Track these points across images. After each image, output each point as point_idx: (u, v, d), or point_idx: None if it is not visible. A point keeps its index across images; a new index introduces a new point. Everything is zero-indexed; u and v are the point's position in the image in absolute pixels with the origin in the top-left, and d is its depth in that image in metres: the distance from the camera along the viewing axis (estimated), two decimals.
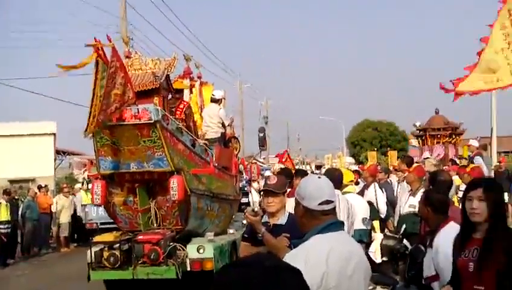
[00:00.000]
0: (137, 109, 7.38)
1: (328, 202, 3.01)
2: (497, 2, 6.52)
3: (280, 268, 1.31)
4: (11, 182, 23.06)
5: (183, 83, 9.95)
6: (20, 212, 16.25)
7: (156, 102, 8.06)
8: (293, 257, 2.79)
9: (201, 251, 8.31)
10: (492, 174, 13.75)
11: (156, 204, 8.37)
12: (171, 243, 8.00)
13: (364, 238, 7.67)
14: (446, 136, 25.87)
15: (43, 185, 18.29)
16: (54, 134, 25.31)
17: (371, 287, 5.06)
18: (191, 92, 10.95)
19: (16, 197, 16.72)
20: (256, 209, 4.96)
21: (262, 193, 5.28)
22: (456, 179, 10.12)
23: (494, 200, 3.76)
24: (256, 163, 15.61)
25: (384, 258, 7.39)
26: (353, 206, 6.74)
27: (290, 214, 4.77)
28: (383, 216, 9.61)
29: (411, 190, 8.38)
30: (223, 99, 10.98)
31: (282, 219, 4.84)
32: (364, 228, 7.77)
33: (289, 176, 7.10)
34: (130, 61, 8.48)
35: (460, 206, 6.83)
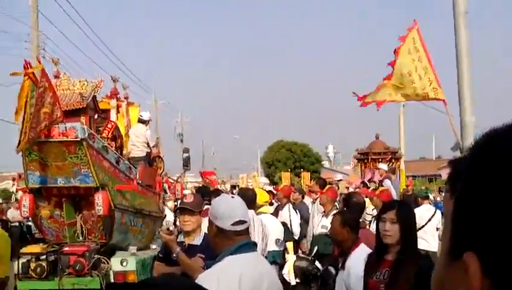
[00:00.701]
0: (65, 127, 7.81)
1: (241, 222, 3.00)
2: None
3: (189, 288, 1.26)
4: None
5: (109, 104, 10.41)
6: None
7: (83, 121, 8.51)
8: (205, 278, 2.80)
9: (124, 263, 8.71)
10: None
11: (82, 218, 8.75)
12: (96, 256, 8.40)
13: (278, 259, 7.67)
14: (387, 160, 26.92)
15: None
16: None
17: None
18: (118, 111, 11.42)
19: None
20: (171, 228, 5.01)
21: (178, 211, 5.26)
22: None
23: (406, 223, 3.84)
24: (180, 182, 16.13)
25: (298, 280, 7.59)
26: (267, 226, 6.82)
27: (205, 234, 4.69)
28: (296, 237, 9.71)
29: (324, 211, 8.48)
30: (149, 121, 11.55)
31: (197, 239, 4.85)
32: (277, 249, 7.72)
33: (207, 195, 7.64)
34: (58, 81, 8.92)
35: (370, 229, 7.30)
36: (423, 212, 10.61)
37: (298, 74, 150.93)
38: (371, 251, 4.21)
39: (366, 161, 27.58)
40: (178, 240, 4.86)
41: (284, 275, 8.27)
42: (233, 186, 32.13)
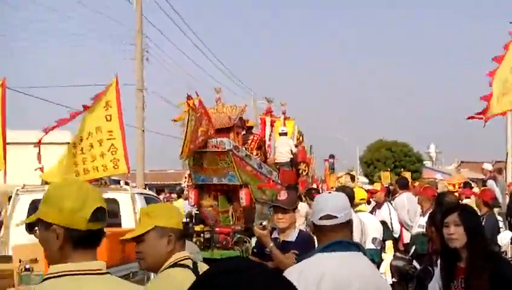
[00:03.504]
0: (217, 140, 10.79)
1: (329, 216, 2.88)
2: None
3: (270, 275, 1.25)
4: None
5: (252, 122, 13.51)
6: None
7: (231, 136, 11.44)
8: (288, 273, 2.77)
9: None
10: (507, 199, 13.20)
11: (233, 208, 11.76)
12: (239, 235, 11.35)
13: (375, 258, 7.61)
14: None
15: None
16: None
17: None
18: (272, 125, 14.53)
19: None
20: (264, 223, 4.97)
21: (271, 208, 5.25)
22: (468, 201, 11.21)
23: (471, 225, 3.74)
24: (326, 182, 18.80)
25: (394, 279, 7.53)
26: (365, 225, 6.95)
27: (300, 230, 4.98)
28: (396, 235, 9.88)
29: (422, 210, 8.59)
30: (291, 132, 14.51)
31: (292, 236, 4.87)
32: (374, 247, 7.77)
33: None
34: (216, 105, 12.02)
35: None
36: None
37: (400, 73, 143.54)
38: None
39: None
40: (273, 236, 4.91)
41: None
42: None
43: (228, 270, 1.23)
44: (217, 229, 11.41)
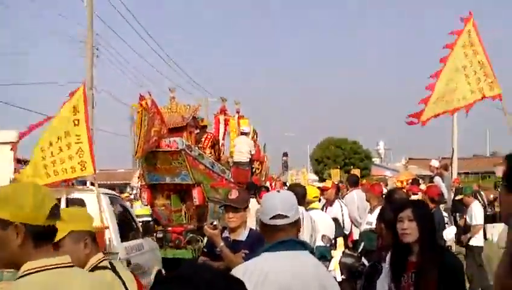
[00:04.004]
0: (169, 140, 10.81)
1: (280, 216, 2.89)
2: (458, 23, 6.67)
3: (219, 278, 1.28)
4: None
5: (206, 121, 13.56)
6: None
7: (184, 136, 11.49)
8: (235, 272, 2.79)
9: None
10: (452, 195, 14.14)
11: (185, 207, 11.79)
12: (191, 235, 11.40)
13: (327, 255, 7.60)
14: None
15: None
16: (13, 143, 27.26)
17: None
18: (226, 124, 14.62)
19: None
20: (215, 223, 4.93)
21: (222, 207, 5.22)
22: (416, 198, 10.62)
23: (423, 220, 3.80)
24: (280, 181, 18.97)
25: (343, 277, 7.31)
26: (316, 222, 6.93)
27: (251, 229, 4.89)
28: (347, 232, 9.90)
29: (370, 207, 8.61)
30: (249, 133, 14.57)
31: (242, 235, 4.83)
32: (323, 244, 7.71)
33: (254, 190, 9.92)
34: (169, 104, 12.02)
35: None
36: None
37: (350, 71, 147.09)
38: None
39: None
40: (224, 235, 4.86)
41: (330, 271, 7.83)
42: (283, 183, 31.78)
43: (172, 278, 1.25)
44: (169, 228, 11.44)
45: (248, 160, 14.13)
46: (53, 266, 2.23)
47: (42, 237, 2.24)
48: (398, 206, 4.07)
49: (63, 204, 7.52)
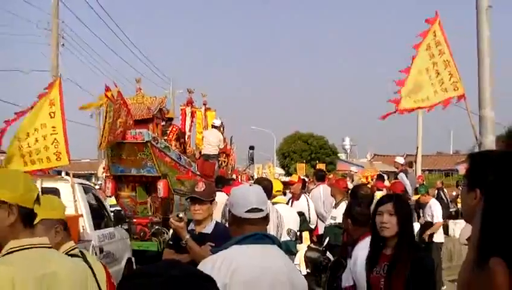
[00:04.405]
0: (135, 132, 10.73)
1: (256, 209, 2.92)
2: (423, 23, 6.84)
3: (188, 276, 1.23)
4: None
5: (172, 113, 13.48)
6: None
7: (150, 127, 11.43)
8: (203, 264, 2.79)
9: None
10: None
11: (151, 199, 11.72)
12: (157, 227, 11.35)
13: (293, 249, 7.60)
14: None
15: None
16: None
17: None
18: (193, 116, 14.53)
19: None
20: (181, 215, 4.88)
21: (188, 199, 5.11)
22: (378, 194, 10.72)
23: (404, 215, 3.82)
24: (246, 174, 19.04)
25: (308, 270, 7.33)
26: (282, 216, 6.86)
27: (217, 222, 4.86)
28: (313, 227, 9.86)
29: (335, 202, 8.60)
30: (221, 126, 14.55)
31: (208, 228, 4.81)
32: (289, 239, 7.66)
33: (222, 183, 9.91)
34: (136, 96, 11.93)
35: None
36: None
37: (318, 67, 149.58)
38: None
39: None
40: (189, 228, 4.83)
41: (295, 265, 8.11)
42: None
43: (140, 274, 1.24)
44: (134, 220, 11.37)
45: (217, 153, 14.16)
46: (36, 245, 2.38)
47: (29, 219, 2.39)
48: (379, 199, 4.14)
49: None
